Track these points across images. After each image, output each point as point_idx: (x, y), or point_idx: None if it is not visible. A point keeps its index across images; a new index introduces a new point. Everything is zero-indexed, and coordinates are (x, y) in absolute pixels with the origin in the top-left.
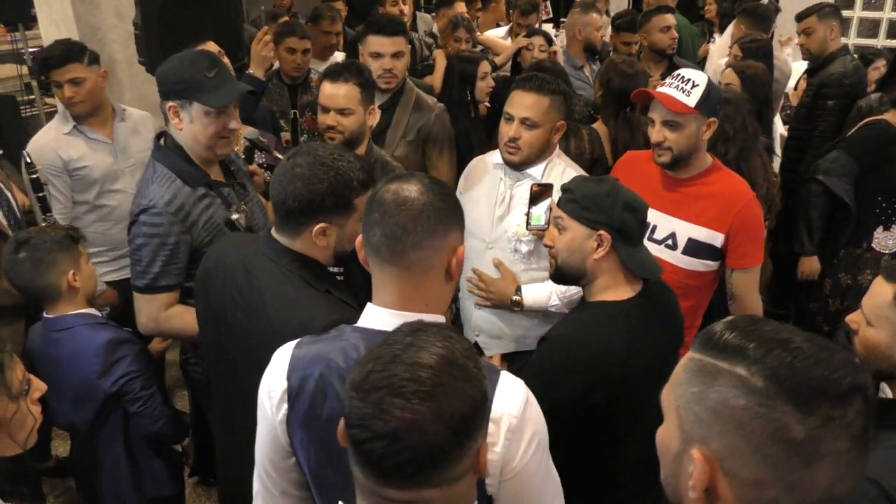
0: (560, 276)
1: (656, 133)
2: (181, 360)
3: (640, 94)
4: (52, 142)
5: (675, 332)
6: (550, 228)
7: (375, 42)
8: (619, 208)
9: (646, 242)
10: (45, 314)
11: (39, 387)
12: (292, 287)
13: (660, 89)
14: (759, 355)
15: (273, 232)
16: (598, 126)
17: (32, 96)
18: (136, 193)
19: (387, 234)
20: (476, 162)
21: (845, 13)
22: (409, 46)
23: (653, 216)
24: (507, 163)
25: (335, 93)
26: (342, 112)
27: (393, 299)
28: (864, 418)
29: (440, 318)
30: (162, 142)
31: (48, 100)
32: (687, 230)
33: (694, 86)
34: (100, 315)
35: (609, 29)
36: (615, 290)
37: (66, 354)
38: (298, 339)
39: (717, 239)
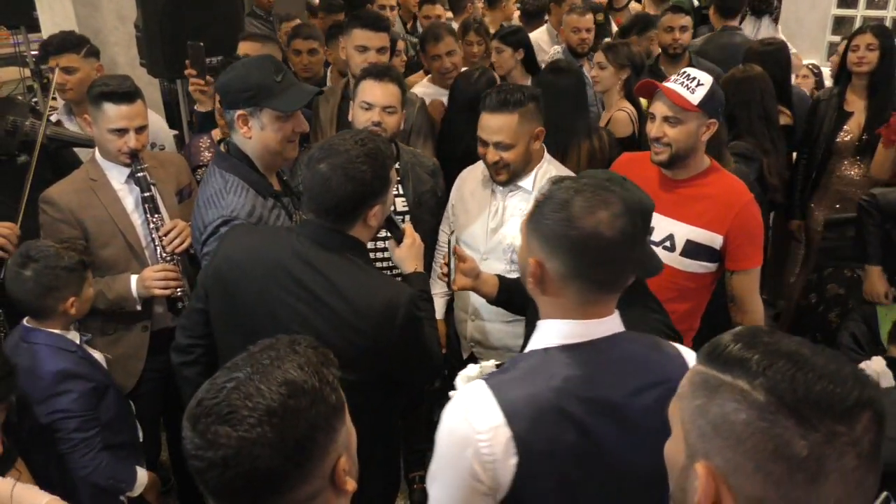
0: None
1: (656, 128)
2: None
3: (645, 85)
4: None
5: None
6: None
7: (362, 35)
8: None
9: None
10: (25, 320)
11: None
12: (360, 269)
13: (665, 84)
14: (762, 368)
15: (322, 222)
16: (628, 107)
17: (35, 99)
18: (202, 202)
19: (616, 270)
20: (467, 173)
21: (848, 12)
22: (391, 44)
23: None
24: (498, 184)
25: (382, 91)
26: (386, 109)
27: (588, 315)
28: (874, 434)
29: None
30: (222, 148)
31: (48, 100)
32: (685, 232)
33: (699, 84)
34: (74, 342)
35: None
36: None
37: (21, 368)
38: (490, 382)
39: (716, 241)
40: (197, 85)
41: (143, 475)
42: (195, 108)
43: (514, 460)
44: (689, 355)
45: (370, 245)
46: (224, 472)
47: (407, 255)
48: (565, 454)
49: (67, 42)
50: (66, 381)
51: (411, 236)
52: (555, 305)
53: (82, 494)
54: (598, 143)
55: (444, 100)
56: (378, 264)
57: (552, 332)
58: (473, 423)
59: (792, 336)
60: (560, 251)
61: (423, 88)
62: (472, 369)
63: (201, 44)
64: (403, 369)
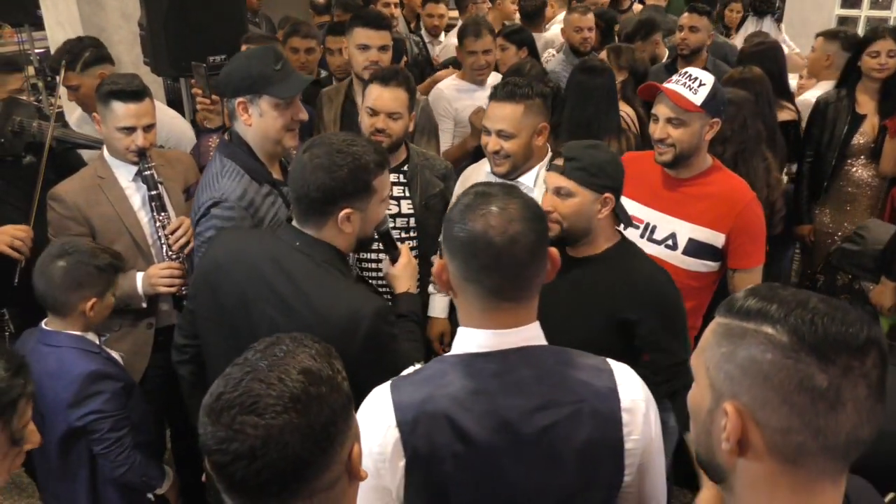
0: (565, 239)
1: (659, 130)
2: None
3: (647, 87)
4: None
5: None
6: (549, 197)
7: (363, 34)
8: (621, 172)
9: (646, 242)
10: (44, 323)
11: (33, 439)
12: (332, 277)
13: (667, 85)
14: (783, 315)
15: (296, 225)
16: (626, 108)
17: (40, 97)
18: (200, 187)
19: (507, 276)
20: (470, 171)
21: (852, 12)
22: (399, 44)
23: (653, 216)
24: (497, 175)
25: (387, 96)
26: (391, 116)
27: (498, 324)
28: (880, 369)
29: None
30: (226, 137)
31: (54, 100)
32: (687, 230)
33: (701, 84)
34: (95, 343)
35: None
36: (600, 243)
37: (46, 372)
38: (394, 383)
39: (718, 239)
40: (203, 104)
41: (169, 472)
42: (204, 124)
43: (402, 462)
44: (622, 372)
45: (372, 260)
46: (251, 464)
47: (401, 274)
48: (451, 463)
49: (63, 60)
50: (97, 381)
51: (406, 256)
52: (462, 310)
53: (113, 496)
54: (626, 144)
55: (474, 96)
56: (374, 282)
57: (463, 340)
58: (370, 422)
59: (799, 290)
60: (455, 253)
61: (453, 82)
62: (410, 369)
63: (204, 64)
64: (374, 383)
